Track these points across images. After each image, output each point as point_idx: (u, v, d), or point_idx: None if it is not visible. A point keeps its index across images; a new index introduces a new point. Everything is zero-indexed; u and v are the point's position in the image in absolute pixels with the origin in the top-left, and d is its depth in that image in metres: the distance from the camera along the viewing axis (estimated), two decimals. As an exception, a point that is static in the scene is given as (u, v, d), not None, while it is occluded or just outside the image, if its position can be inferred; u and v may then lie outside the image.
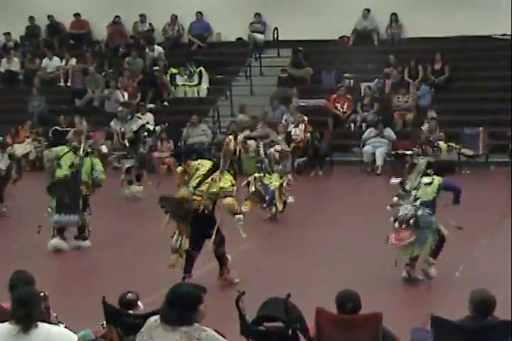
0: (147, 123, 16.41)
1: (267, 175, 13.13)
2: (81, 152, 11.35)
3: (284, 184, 13.06)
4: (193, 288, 4.94)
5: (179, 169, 9.50)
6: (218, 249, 9.30)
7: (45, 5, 23.28)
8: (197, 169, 9.34)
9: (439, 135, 17.45)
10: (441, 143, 17.15)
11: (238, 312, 5.90)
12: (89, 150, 11.69)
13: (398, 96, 19.50)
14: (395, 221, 9.25)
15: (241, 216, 9.27)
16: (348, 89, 19.98)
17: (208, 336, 4.77)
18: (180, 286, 4.98)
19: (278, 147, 14.23)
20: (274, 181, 13.01)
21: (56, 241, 11.18)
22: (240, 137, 17.68)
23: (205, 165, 9.38)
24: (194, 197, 9.13)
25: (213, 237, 9.14)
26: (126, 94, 20.54)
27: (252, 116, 19.36)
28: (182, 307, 4.77)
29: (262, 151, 13.50)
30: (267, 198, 12.82)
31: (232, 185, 9.24)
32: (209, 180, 9.19)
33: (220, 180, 9.18)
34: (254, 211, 12.21)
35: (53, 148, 11.88)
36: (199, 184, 9.18)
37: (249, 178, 13.10)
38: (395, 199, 9.46)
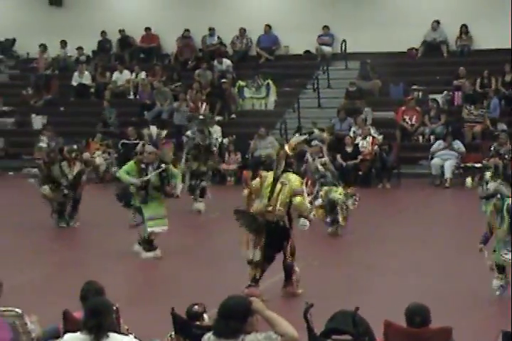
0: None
1: (333, 187, 13.00)
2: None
3: (349, 198, 12.89)
4: (243, 299, 4.95)
5: (255, 182, 9.50)
6: (288, 261, 9.32)
7: (116, 19, 23.65)
8: (262, 181, 9.38)
9: (509, 148, 17.20)
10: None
11: (306, 325, 5.90)
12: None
13: (469, 108, 19.29)
14: None
15: (307, 221, 9.26)
16: (416, 101, 19.85)
17: None
18: (231, 298, 4.96)
19: (324, 159, 14.04)
20: (338, 195, 12.87)
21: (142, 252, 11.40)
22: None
23: (269, 176, 9.41)
24: (268, 209, 9.15)
25: (287, 249, 9.17)
26: (204, 106, 20.62)
27: (320, 129, 19.33)
28: (231, 318, 4.78)
29: (319, 166, 13.39)
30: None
31: (301, 184, 9.24)
32: (278, 186, 9.20)
33: (288, 181, 9.18)
34: (318, 225, 12.18)
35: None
36: (271, 194, 9.21)
37: (315, 190, 13.03)
38: None
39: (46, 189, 13.60)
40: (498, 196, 9.18)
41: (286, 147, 9.50)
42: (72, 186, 13.73)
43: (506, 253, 9.03)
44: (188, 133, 15.95)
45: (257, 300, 4.88)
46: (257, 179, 9.48)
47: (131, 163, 11.68)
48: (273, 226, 9.14)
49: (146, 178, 11.32)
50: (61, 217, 13.73)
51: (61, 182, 13.65)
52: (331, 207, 12.72)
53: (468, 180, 9.43)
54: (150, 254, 11.37)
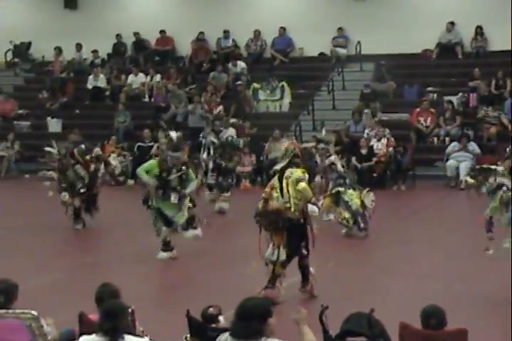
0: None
1: (349, 191, 12.95)
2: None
3: (366, 201, 12.87)
4: (262, 300, 4.95)
5: (267, 188, 9.51)
6: (303, 261, 9.32)
7: (131, 22, 23.74)
8: (273, 185, 9.41)
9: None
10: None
11: (321, 327, 5.89)
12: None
13: (486, 109, 19.23)
14: None
15: (316, 208, 9.27)
16: (431, 103, 19.81)
17: None
18: (249, 299, 4.95)
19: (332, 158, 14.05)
20: (355, 198, 12.84)
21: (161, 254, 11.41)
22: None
23: (275, 180, 9.42)
24: (286, 206, 9.17)
25: (303, 249, 9.19)
26: (220, 108, 20.67)
27: (334, 131, 19.35)
28: (251, 320, 4.76)
29: (339, 166, 13.41)
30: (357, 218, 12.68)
31: (303, 172, 9.24)
32: (284, 181, 9.19)
33: (291, 173, 9.18)
34: (332, 226, 12.18)
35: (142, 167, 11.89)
36: (281, 191, 9.22)
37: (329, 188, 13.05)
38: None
39: (66, 196, 13.62)
40: (504, 188, 9.08)
41: (295, 146, 9.54)
42: (89, 186, 13.75)
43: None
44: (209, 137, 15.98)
45: (303, 311, 4.85)
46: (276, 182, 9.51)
47: (152, 162, 11.66)
48: (292, 224, 9.15)
49: (169, 178, 11.36)
50: (77, 219, 13.77)
51: (78, 186, 13.66)
52: (350, 211, 12.69)
53: (469, 178, 9.44)
54: (165, 255, 11.39)
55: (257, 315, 4.77)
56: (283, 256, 9.15)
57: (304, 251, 9.23)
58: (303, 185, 9.11)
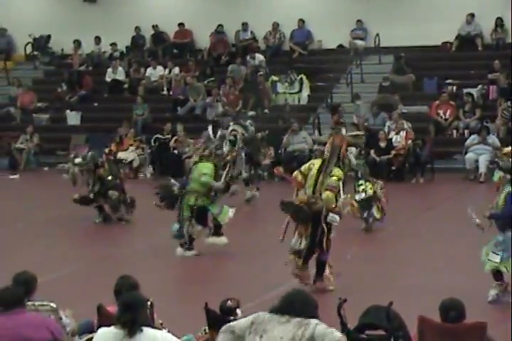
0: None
1: (362, 182, 12.89)
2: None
3: (378, 190, 12.82)
4: (311, 298, 5.07)
5: (295, 174, 9.50)
6: (321, 256, 9.30)
7: (150, 15, 23.74)
8: (309, 169, 9.39)
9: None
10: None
11: (340, 320, 5.89)
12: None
13: (504, 102, 19.11)
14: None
15: (336, 216, 9.22)
16: (450, 95, 19.72)
17: (317, 325, 4.84)
18: (301, 293, 5.09)
19: None
20: (368, 189, 12.78)
21: (179, 250, 11.33)
22: None
23: (316, 163, 9.41)
24: (313, 200, 9.16)
25: (323, 243, 9.17)
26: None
27: (353, 123, 19.29)
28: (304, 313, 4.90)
29: (353, 159, 13.32)
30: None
31: (339, 180, 9.22)
32: (321, 177, 9.20)
33: (331, 173, 9.19)
34: (349, 219, 12.14)
35: None
36: (315, 184, 9.22)
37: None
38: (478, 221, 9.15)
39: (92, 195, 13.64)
40: None
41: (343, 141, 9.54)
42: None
43: (495, 257, 8.78)
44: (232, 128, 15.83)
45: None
46: (306, 165, 9.47)
47: (211, 166, 11.48)
48: (318, 218, 9.14)
49: (223, 179, 11.41)
50: (100, 213, 13.76)
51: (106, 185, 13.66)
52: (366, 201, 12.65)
53: (497, 174, 9.34)
54: (188, 253, 11.35)
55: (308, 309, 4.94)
56: (302, 246, 9.15)
57: (323, 246, 9.21)
58: (328, 195, 9.13)
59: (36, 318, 5.57)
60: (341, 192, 9.37)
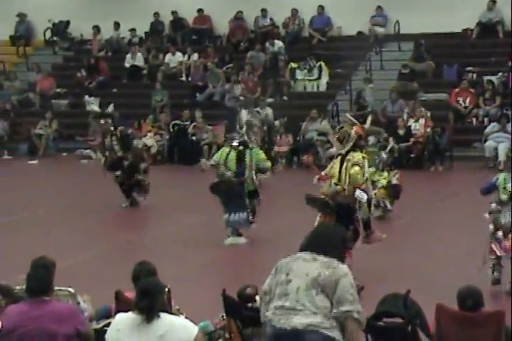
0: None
1: (378, 172, 12.84)
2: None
3: (394, 180, 12.77)
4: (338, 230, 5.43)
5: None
6: (350, 244, 9.28)
7: (169, 1, 23.69)
8: (334, 163, 9.40)
9: None
10: None
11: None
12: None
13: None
14: (496, 229, 8.94)
15: (364, 195, 9.19)
16: (470, 82, 19.60)
17: (345, 277, 4.96)
18: (326, 226, 5.47)
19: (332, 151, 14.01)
20: (382, 179, 12.75)
21: (231, 239, 11.24)
22: None
23: (338, 160, 9.41)
24: (338, 189, 9.15)
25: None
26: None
27: (372, 111, 19.24)
28: (330, 244, 5.10)
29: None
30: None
31: (363, 158, 9.24)
32: (344, 164, 9.21)
33: (352, 157, 9.21)
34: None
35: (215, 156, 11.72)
36: (339, 174, 9.22)
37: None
38: (494, 205, 9.12)
39: (118, 173, 13.62)
40: None
41: (360, 129, 9.51)
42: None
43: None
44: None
45: None
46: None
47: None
48: (343, 209, 9.15)
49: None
50: (127, 197, 13.77)
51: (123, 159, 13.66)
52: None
53: None
54: (239, 240, 11.31)
55: (335, 241, 5.13)
56: None
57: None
58: (356, 169, 9.12)
59: (63, 310, 5.40)
60: (366, 169, 9.34)
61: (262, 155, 11.46)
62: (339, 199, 9.15)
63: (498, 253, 8.82)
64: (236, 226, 11.25)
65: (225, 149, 11.49)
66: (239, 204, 11.10)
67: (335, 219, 9.13)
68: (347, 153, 9.28)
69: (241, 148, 11.24)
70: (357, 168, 9.12)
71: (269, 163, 11.57)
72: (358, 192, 9.14)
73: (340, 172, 9.23)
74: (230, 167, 11.15)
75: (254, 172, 11.22)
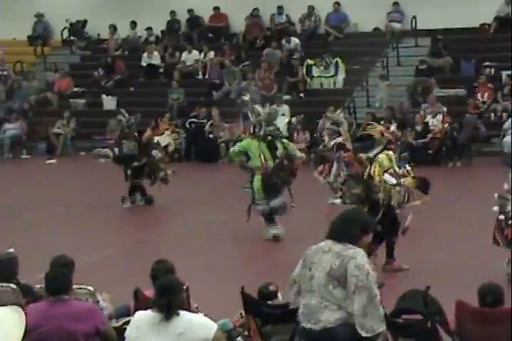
0: None
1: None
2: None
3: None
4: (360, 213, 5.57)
5: (365, 157, 9.49)
6: (395, 237, 9.26)
7: (185, -1, 23.77)
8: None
9: None
10: None
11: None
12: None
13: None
14: (500, 213, 8.95)
15: (392, 178, 9.28)
16: (488, 78, 19.50)
17: (352, 253, 5.09)
18: (344, 213, 5.46)
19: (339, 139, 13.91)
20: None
21: (272, 230, 11.25)
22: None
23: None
24: (374, 189, 9.18)
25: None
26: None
27: (389, 107, 19.17)
28: (345, 230, 5.25)
29: None
30: None
31: (390, 160, 9.30)
32: (373, 166, 9.24)
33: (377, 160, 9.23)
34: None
35: (238, 144, 11.71)
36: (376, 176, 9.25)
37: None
38: (506, 186, 9.11)
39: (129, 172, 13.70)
40: None
41: (388, 133, 9.53)
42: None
43: None
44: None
45: None
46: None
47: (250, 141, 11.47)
48: (381, 205, 9.16)
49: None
50: (142, 195, 13.80)
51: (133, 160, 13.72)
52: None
53: None
54: (279, 230, 11.31)
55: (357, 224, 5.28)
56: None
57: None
58: (409, 180, 9.44)
59: (82, 309, 5.42)
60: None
61: (292, 144, 11.73)
62: (376, 197, 9.15)
63: (501, 245, 8.83)
64: (279, 211, 11.23)
65: (252, 142, 11.40)
66: (277, 191, 11.20)
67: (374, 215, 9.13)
68: (376, 156, 9.28)
69: (270, 138, 11.29)
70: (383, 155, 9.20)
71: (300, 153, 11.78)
72: (386, 176, 9.15)
73: (369, 174, 9.22)
74: (267, 157, 11.18)
75: None
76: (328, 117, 16.97)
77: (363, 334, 5.13)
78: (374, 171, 9.19)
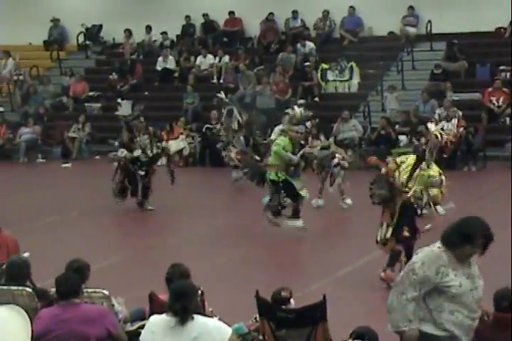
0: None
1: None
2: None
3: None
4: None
5: (391, 161, 9.48)
6: (409, 241, 9.25)
7: (201, 4, 23.78)
8: (402, 162, 9.38)
9: None
10: None
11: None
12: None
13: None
14: None
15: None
16: (503, 82, 19.44)
17: (421, 250, 5.39)
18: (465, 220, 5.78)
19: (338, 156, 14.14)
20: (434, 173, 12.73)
21: (291, 222, 11.44)
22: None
23: (410, 158, 9.40)
24: (405, 189, 9.16)
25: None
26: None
27: (404, 111, 19.16)
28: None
29: None
30: None
31: (440, 174, 9.30)
32: (417, 172, 9.21)
33: (427, 168, 9.28)
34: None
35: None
36: (409, 178, 9.21)
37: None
38: None
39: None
40: None
41: (440, 136, 9.53)
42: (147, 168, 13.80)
43: None
44: None
45: None
46: (393, 163, 9.45)
47: (285, 139, 11.62)
48: (406, 207, 9.16)
49: (299, 155, 11.54)
50: (125, 197, 13.84)
51: (139, 158, 13.73)
52: None
53: None
54: (299, 222, 11.42)
55: None
56: (388, 234, 9.13)
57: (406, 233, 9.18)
58: (435, 193, 9.74)
59: (93, 312, 5.46)
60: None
61: (279, 141, 11.80)
62: (404, 197, 9.15)
63: None
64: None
65: (285, 139, 11.60)
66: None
67: (397, 216, 9.12)
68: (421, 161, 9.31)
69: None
70: (435, 191, 9.62)
71: (276, 147, 11.70)
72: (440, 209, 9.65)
73: (410, 176, 9.19)
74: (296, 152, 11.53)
75: None
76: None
77: (389, 328, 5.23)
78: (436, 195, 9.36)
